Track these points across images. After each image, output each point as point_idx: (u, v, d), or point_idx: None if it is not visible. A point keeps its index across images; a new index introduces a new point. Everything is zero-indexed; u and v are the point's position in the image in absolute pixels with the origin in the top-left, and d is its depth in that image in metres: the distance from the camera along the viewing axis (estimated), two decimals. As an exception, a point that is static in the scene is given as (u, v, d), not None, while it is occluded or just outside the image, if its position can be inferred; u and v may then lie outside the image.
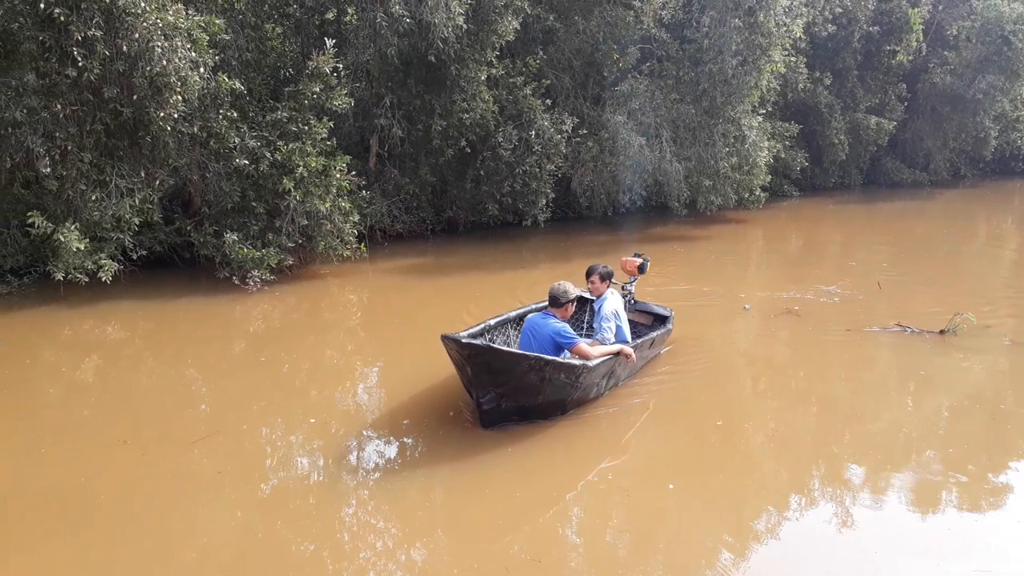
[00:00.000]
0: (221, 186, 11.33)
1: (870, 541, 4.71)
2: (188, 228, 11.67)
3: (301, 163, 11.04)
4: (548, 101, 16.30)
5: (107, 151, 10.51)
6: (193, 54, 10.07)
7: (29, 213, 9.74)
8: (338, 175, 11.67)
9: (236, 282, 10.87)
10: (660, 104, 17.42)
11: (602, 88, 18.26)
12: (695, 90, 17.33)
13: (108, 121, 10.17)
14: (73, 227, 9.61)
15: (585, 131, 17.00)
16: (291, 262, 11.69)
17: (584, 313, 7.99)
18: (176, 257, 12.15)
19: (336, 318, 10.57)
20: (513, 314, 7.49)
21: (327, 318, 10.51)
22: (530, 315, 6.46)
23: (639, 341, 6.99)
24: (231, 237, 10.89)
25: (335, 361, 8.48)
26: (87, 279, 9.88)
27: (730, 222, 19.81)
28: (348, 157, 12.17)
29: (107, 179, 10.29)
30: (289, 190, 10.98)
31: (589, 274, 6.98)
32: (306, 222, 11.51)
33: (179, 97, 10.02)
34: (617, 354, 6.37)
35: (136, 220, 10.41)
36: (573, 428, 6.15)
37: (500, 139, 15.21)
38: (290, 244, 11.46)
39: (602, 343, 6.56)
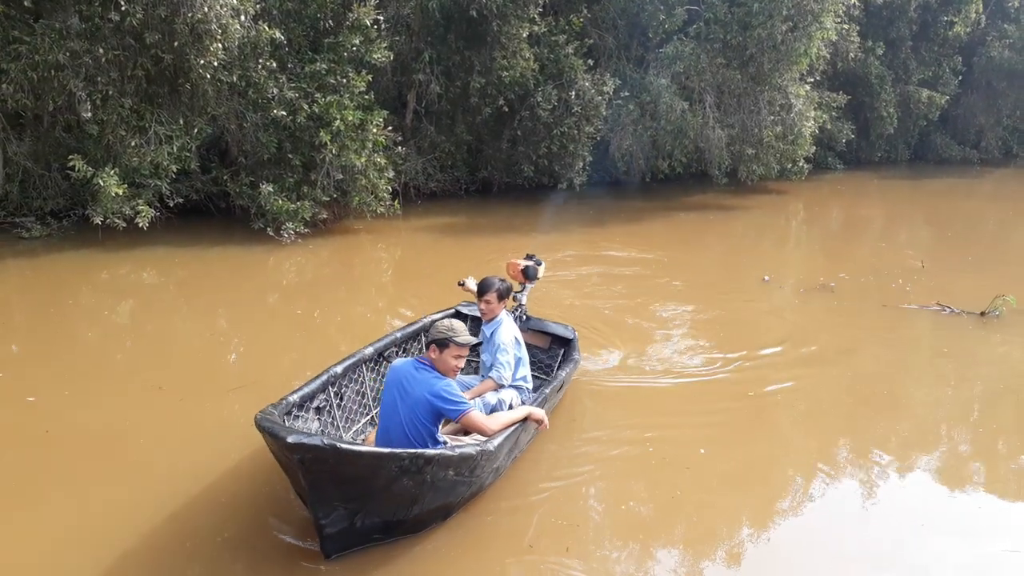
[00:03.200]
0: (258, 137, 11.32)
1: (898, 518, 4.63)
2: (224, 178, 11.72)
3: (338, 116, 10.96)
4: (590, 61, 15.99)
5: (147, 97, 10.53)
6: (235, 2, 10.00)
7: (70, 157, 9.82)
8: (374, 130, 11.58)
9: (270, 233, 10.92)
10: (705, 68, 16.98)
11: (646, 50, 17.87)
12: (742, 55, 16.84)
13: (149, 67, 10.18)
14: (112, 172, 9.68)
15: (626, 93, 16.68)
16: (325, 216, 11.71)
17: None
18: (212, 206, 12.24)
19: (368, 273, 10.58)
20: (369, 350, 5.33)
21: (359, 273, 10.53)
22: (396, 362, 4.34)
23: (548, 390, 5.07)
24: (267, 188, 10.90)
25: (366, 316, 8.49)
26: (124, 224, 9.99)
27: (770, 193, 19.42)
28: (385, 112, 12.08)
29: (146, 125, 10.34)
30: (325, 143, 10.93)
31: (483, 291, 5.33)
32: (341, 176, 11.48)
33: (219, 45, 9.99)
34: (524, 419, 4.43)
35: (174, 167, 10.47)
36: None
37: (539, 99, 14.98)
38: (325, 198, 11.46)
39: (497, 383, 5.09)
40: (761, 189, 19.36)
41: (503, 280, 5.41)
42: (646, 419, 5.76)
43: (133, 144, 10.11)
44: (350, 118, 11.08)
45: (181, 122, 10.63)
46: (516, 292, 6.23)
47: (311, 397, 4.53)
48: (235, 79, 10.77)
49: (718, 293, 9.64)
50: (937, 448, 5.68)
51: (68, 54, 9.50)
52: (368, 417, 5.10)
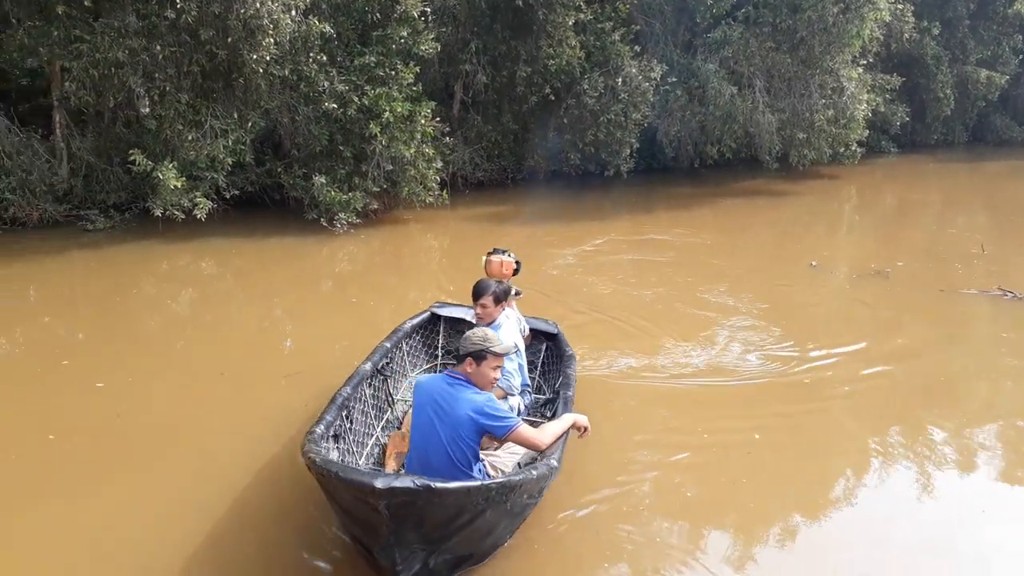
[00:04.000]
0: (310, 129, 11.52)
1: (957, 506, 4.58)
2: (278, 170, 11.98)
3: (387, 108, 11.09)
4: (637, 47, 15.85)
5: (203, 92, 10.80)
6: (286, -3, 10.17)
7: (130, 151, 10.13)
8: (423, 121, 11.69)
9: (323, 224, 11.14)
10: (754, 52, 16.71)
11: (694, 35, 17.65)
12: (792, 38, 16.54)
13: (204, 63, 10.43)
14: (171, 165, 9.96)
15: (674, 79, 16.51)
16: (376, 206, 11.88)
17: (435, 338, 6.15)
18: (266, 198, 12.51)
19: (418, 262, 10.72)
20: (367, 365, 4.95)
21: (409, 262, 10.67)
22: (422, 379, 4.07)
23: (570, 392, 4.88)
24: (319, 180, 11.10)
25: (418, 304, 8.50)
26: (183, 216, 10.28)
27: (822, 178, 19.07)
28: (433, 103, 12.18)
29: (202, 120, 10.60)
30: (375, 135, 11.07)
31: (479, 294, 4.92)
32: (391, 167, 11.62)
33: (271, 40, 10.18)
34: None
35: (229, 160, 10.73)
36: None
37: (585, 86, 14.92)
38: (375, 189, 11.61)
39: (506, 392, 4.74)
40: (813, 174, 19.01)
41: (500, 281, 5.07)
42: (697, 414, 5.71)
43: (190, 138, 10.38)
44: (399, 109, 11.20)
45: (235, 116, 10.88)
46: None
47: (331, 425, 4.18)
48: (287, 73, 10.97)
49: (768, 280, 9.53)
50: (997, 436, 5.55)
51: (127, 52, 9.79)
52: (373, 438, 4.80)
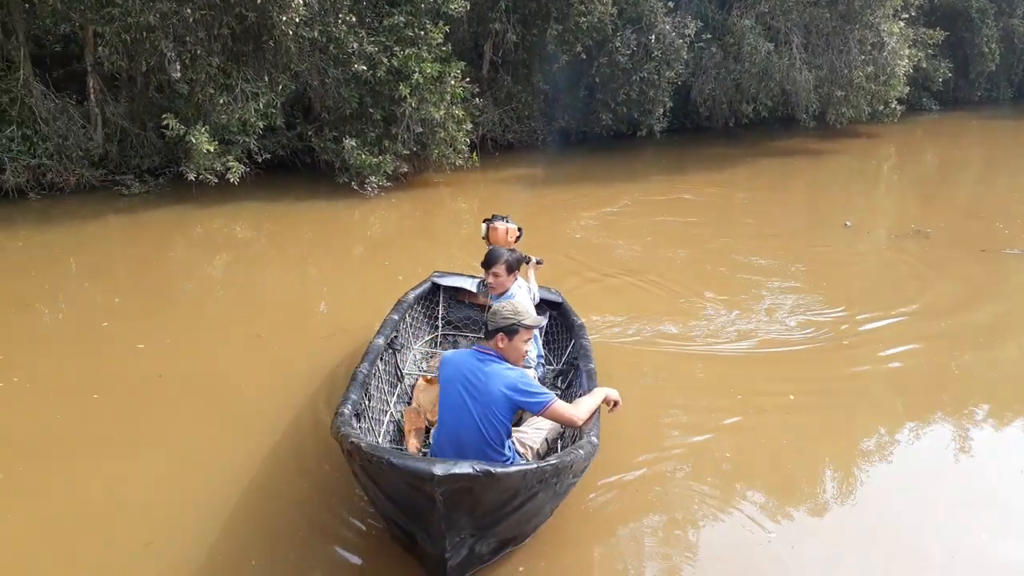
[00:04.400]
0: (340, 92, 11.46)
1: (995, 464, 4.54)
2: (309, 133, 11.97)
3: (417, 69, 10.98)
4: (670, 3, 15.50)
5: (233, 56, 10.79)
6: (314, -44, 10.06)
7: (163, 116, 10.18)
8: (452, 82, 11.56)
9: (354, 187, 11.14)
10: (792, 7, 16.25)
11: (729, -11, 17.21)
12: (831, -9, 16.06)
13: (234, 26, 10.40)
14: (203, 129, 9.99)
15: (709, 36, 16.15)
16: (406, 169, 11.85)
17: (436, 308, 6.04)
18: (298, 161, 12.55)
19: (449, 226, 10.71)
20: (379, 340, 4.81)
21: (440, 225, 10.67)
22: (448, 354, 3.93)
23: (592, 365, 4.70)
24: (350, 143, 11.08)
25: (449, 268, 8.56)
26: (216, 180, 10.35)
27: (861, 136, 18.62)
28: (462, 63, 12.03)
29: (233, 83, 10.60)
30: (405, 96, 10.98)
31: (491, 263, 4.73)
32: (421, 130, 11.55)
33: (300, 1, 10.10)
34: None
35: (260, 124, 10.75)
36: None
37: (618, 44, 14.65)
38: (405, 151, 11.57)
39: (523, 365, 4.36)
40: (851, 132, 18.56)
41: (512, 250, 4.87)
42: (731, 379, 5.64)
43: (221, 102, 10.40)
44: (428, 70, 11.08)
45: (266, 79, 10.86)
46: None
47: (356, 404, 4.00)
48: (316, 35, 10.89)
49: (805, 241, 9.40)
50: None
51: (158, 16, 9.76)
52: (388, 415, 4.66)
